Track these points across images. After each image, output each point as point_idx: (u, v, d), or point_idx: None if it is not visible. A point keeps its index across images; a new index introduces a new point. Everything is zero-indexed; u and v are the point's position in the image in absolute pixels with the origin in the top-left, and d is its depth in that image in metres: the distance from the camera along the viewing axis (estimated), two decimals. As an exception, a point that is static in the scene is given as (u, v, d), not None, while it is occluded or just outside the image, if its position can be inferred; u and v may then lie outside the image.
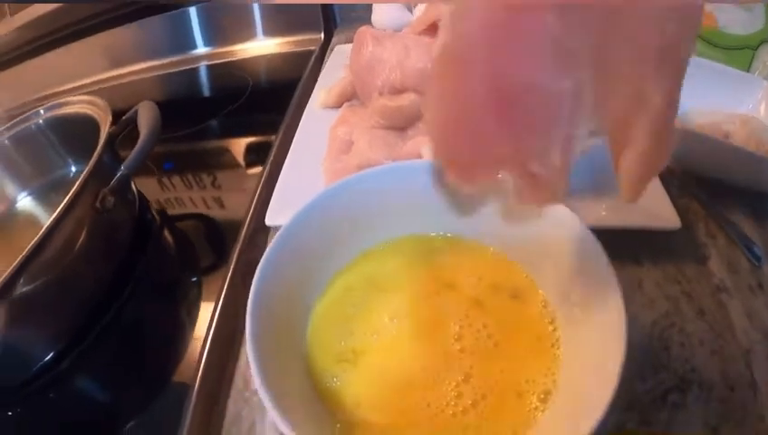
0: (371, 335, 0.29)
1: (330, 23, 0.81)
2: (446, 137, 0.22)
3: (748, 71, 0.53)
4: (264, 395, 0.21)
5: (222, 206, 0.57)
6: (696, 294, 0.37)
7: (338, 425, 0.25)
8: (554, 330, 0.28)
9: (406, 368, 0.27)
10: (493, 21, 0.18)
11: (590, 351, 0.25)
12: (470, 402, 0.25)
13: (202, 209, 0.57)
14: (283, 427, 0.21)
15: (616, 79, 0.20)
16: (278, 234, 0.27)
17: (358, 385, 0.27)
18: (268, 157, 0.55)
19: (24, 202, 0.62)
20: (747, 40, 0.52)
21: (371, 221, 0.31)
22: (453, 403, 0.25)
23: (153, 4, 0.84)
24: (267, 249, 0.27)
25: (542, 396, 0.25)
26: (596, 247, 0.26)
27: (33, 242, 0.38)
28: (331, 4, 0.79)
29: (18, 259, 0.37)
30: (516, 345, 0.28)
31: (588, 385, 0.23)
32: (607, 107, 0.20)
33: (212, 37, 0.88)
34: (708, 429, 0.30)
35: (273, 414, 0.21)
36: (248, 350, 0.23)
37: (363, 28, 0.48)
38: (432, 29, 0.46)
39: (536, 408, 0.25)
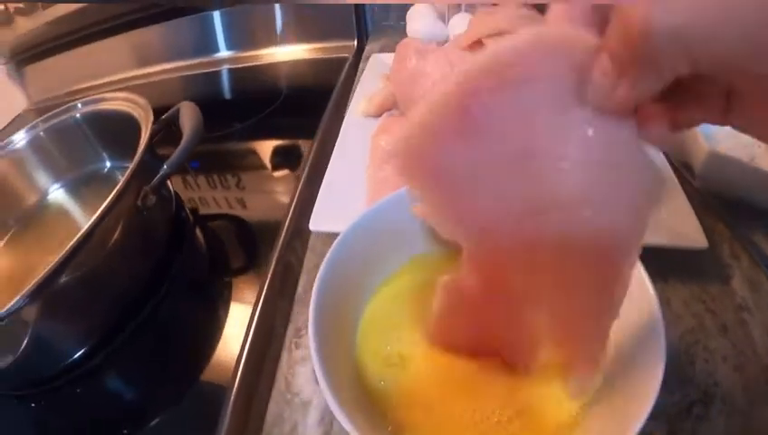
0: (418, 341, 0.30)
1: (362, 30, 0.82)
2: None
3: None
4: (325, 391, 0.23)
5: (244, 206, 0.58)
6: (719, 312, 0.38)
7: (389, 427, 0.26)
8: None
9: (451, 375, 0.28)
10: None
11: (631, 360, 0.26)
12: (514, 412, 0.26)
13: (226, 209, 0.58)
14: (344, 422, 0.22)
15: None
16: (337, 240, 0.29)
17: (405, 388, 0.28)
18: (306, 161, 0.56)
19: (56, 194, 0.63)
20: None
21: (421, 230, 0.33)
22: (498, 412, 0.26)
23: (180, 7, 0.85)
24: (327, 254, 0.28)
25: (583, 404, 0.27)
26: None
27: (75, 238, 0.39)
28: (364, 12, 0.80)
29: (60, 255, 0.38)
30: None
31: (629, 393, 0.24)
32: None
33: (236, 41, 0.89)
34: (730, 441, 0.31)
35: (334, 409, 0.22)
36: (311, 348, 0.24)
37: (406, 40, 0.49)
38: (476, 45, 0.47)
39: (577, 414, 0.26)
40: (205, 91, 0.86)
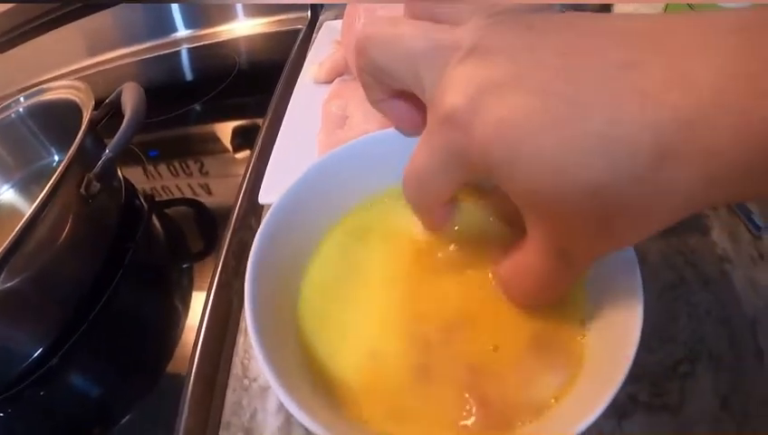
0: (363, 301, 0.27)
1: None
2: None
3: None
4: (267, 372, 0.20)
5: (210, 192, 0.56)
6: (700, 265, 0.37)
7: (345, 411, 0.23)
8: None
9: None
10: None
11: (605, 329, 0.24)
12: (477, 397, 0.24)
13: (189, 195, 0.56)
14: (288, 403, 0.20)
15: None
16: (272, 207, 0.26)
17: (350, 356, 0.25)
18: (257, 138, 0.54)
19: (7, 195, 0.60)
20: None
21: (362, 181, 0.30)
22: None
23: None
24: (262, 223, 0.26)
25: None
26: None
27: (14, 232, 0.37)
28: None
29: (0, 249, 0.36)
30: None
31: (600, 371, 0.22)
32: None
33: (193, 20, 0.86)
34: (718, 398, 0.30)
35: (277, 392, 0.20)
36: (248, 325, 0.22)
37: (355, 2, 0.47)
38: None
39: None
40: (163, 74, 0.83)
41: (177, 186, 0.58)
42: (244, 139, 0.61)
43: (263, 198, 0.40)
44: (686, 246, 0.38)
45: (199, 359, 0.35)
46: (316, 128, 0.45)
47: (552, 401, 0.23)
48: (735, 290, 0.36)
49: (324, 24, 0.65)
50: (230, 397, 0.33)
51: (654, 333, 0.33)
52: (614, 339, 0.23)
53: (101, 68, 0.86)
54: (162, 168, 0.61)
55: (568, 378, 0.23)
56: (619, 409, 0.29)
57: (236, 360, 0.34)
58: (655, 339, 0.33)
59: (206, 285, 0.40)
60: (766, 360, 0.32)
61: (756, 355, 0.32)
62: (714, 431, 0.29)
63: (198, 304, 0.40)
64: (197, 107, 0.69)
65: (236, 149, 0.61)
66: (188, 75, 0.85)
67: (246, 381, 0.33)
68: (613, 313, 0.23)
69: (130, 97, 0.48)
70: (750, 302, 0.35)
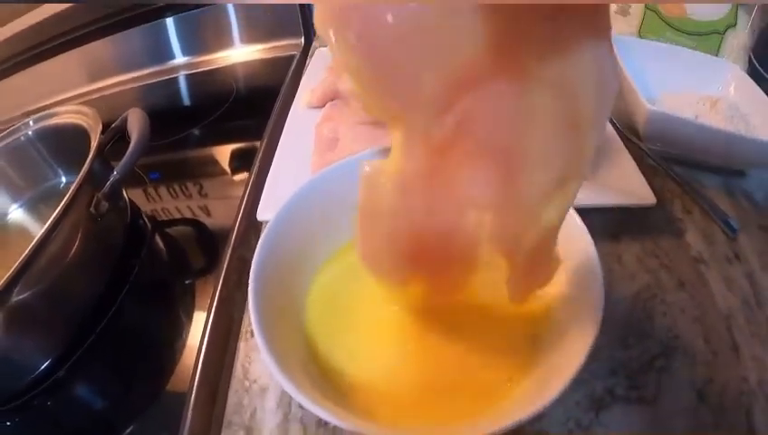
0: (370, 316, 0.30)
1: (309, 28, 0.82)
2: (371, 263, 0.27)
3: (717, 55, 0.55)
4: (268, 361, 0.22)
5: (209, 213, 0.57)
6: (674, 266, 0.38)
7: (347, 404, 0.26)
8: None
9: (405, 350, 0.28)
10: (406, 186, 0.23)
11: (569, 323, 0.26)
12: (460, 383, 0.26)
13: (190, 217, 0.58)
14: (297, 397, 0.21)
15: (516, 210, 0.23)
16: (272, 218, 0.29)
17: (357, 362, 0.28)
18: (254, 160, 0.56)
19: (15, 214, 0.62)
20: (715, 25, 0.55)
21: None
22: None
23: (132, 16, 0.85)
24: (261, 238, 0.28)
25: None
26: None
27: (28, 249, 0.38)
28: (310, 9, 0.80)
29: (14, 266, 0.37)
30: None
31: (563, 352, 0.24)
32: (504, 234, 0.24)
33: (190, 46, 0.89)
34: (694, 390, 0.31)
35: (277, 377, 0.22)
36: (254, 325, 0.24)
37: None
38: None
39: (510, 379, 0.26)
40: (162, 99, 0.85)
41: (176, 207, 0.59)
42: (241, 161, 0.63)
43: (261, 214, 0.42)
44: (660, 249, 0.40)
45: (202, 367, 0.36)
46: (310, 149, 0.48)
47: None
48: (710, 289, 0.37)
49: (317, 50, 0.68)
50: (231, 397, 0.34)
51: (630, 330, 0.34)
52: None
53: (103, 93, 0.89)
54: (162, 190, 0.62)
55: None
56: (597, 401, 0.31)
57: (237, 364, 0.36)
58: (631, 336, 0.34)
59: (208, 300, 0.41)
60: (741, 353, 0.33)
61: (732, 349, 0.34)
62: (691, 422, 0.30)
63: (200, 319, 0.42)
64: (196, 131, 0.71)
65: (234, 171, 0.63)
66: (187, 100, 0.87)
67: (247, 383, 0.34)
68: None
69: (136, 122, 0.50)
70: (725, 299, 0.36)
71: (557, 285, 0.27)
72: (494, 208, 0.23)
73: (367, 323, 0.29)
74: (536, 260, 0.25)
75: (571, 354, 0.22)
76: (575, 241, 0.27)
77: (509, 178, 0.21)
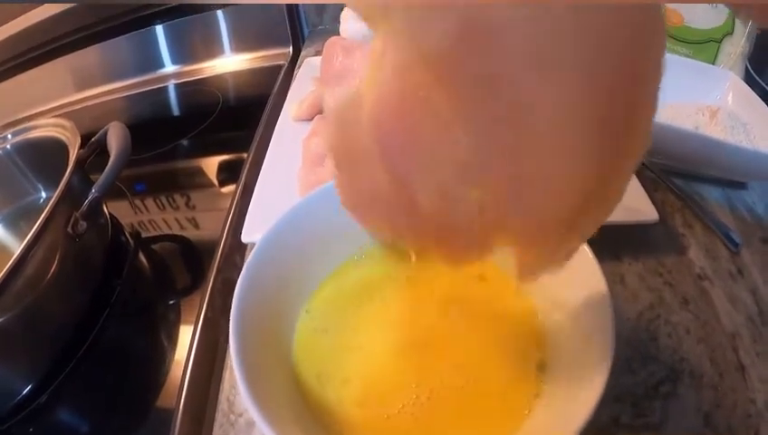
0: (358, 343, 0.28)
1: (298, 36, 0.81)
2: (357, 215, 0.21)
3: (714, 63, 0.54)
4: (253, 412, 0.20)
5: (197, 226, 0.56)
6: (678, 284, 0.37)
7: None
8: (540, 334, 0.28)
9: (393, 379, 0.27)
10: (383, 123, 0.17)
11: (578, 353, 0.24)
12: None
13: (176, 231, 0.56)
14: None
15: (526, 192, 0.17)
16: (254, 249, 0.27)
17: (346, 393, 0.26)
18: (241, 174, 0.55)
19: (-6, 231, 0.60)
20: (712, 34, 0.54)
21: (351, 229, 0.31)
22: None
23: (121, 24, 0.83)
24: (244, 267, 0.26)
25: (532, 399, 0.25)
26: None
27: (3, 272, 0.37)
28: (299, 18, 0.80)
29: None
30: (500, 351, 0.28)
31: (575, 388, 0.23)
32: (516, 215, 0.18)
33: (180, 55, 0.87)
34: (701, 415, 0.30)
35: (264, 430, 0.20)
36: (235, 368, 0.22)
37: (333, 39, 0.48)
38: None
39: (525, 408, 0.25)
40: (150, 109, 0.84)
41: (164, 220, 0.58)
42: (229, 173, 0.62)
43: (246, 237, 0.40)
44: (663, 267, 0.38)
45: (186, 394, 0.35)
46: (297, 165, 0.46)
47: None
48: (715, 307, 0.36)
49: (305, 60, 0.67)
50: (217, 432, 0.32)
51: (635, 354, 0.33)
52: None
53: (88, 103, 0.87)
54: (149, 202, 0.61)
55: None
56: (602, 430, 0.30)
57: (222, 397, 0.34)
58: (636, 360, 0.33)
59: (193, 321, 0.40)
60: (748, 374, 0.32)
61: (738, 370, 0.32)
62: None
63: (185, 339, 0.40)
64: (183, 142, 0.70)
65: (222, 183, 0.62)
66: (176, 110, 0.85)
67: (233, 417, 0.33)
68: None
69: (115, 137, 0.49)
70: (730, 317, 0.35)
71: (563, 310, 0.26)
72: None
73: (362, 356, 0.28)
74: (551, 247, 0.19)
75: (586, 385, 0.21)
76: (578, 261, 0.26)
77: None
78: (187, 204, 0.59)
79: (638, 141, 0.16)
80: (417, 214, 0.19)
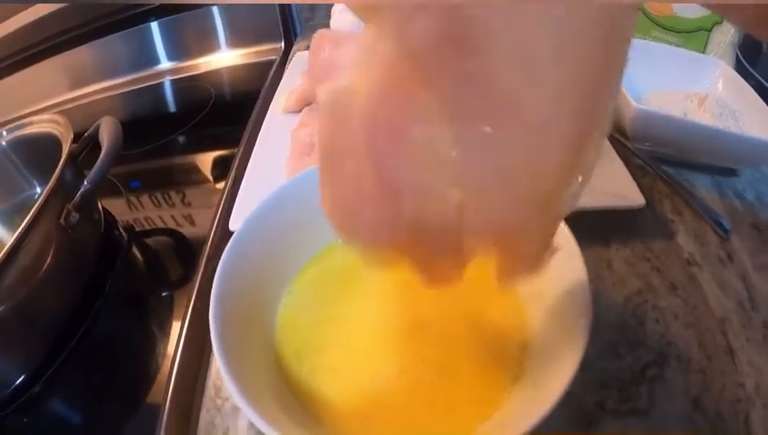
0: (341, 326, 0.28)
1: (290, 32, 0.82)
2: (337, 219, 0.21)
3: (704, 52, 0.54)
4: (233, 392, 0.21)
5: (192, 222, 0.56)
6: (666, 270, 0.37)
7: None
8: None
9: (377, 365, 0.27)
10: (372, 120, 0.17)
11: (556, 337, 0.24)
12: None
13: (172, 226, 0.56)
14: (260, 425, 0.20)
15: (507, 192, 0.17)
16: (236, 232, 0.27)
17: (329, 378, 0.26)
18: (231, 167, 0.55)
19: (-10, 227, 0.60)
20: (701, 22, 0.54)
21: None
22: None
23: (116, 21, 0.83)
24: (225, 249, 0.26)
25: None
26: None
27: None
28: (291, 14, 0.80)
29: None
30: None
31: (551, 372, 0.23)
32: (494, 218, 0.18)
33: (175, 51, 0.87)
34: (689, 399, 0.30)
35: (246, 412, 0.20)
36: (215, 350, 0.22)
37: (321, 31, 0.48)
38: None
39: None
40: (146, 105, 0.84)
41: (159, 216, 0.58)
42: (223, 168, 0.62)
43: (233, 224, 0.41)
44: (651, 252, 0.38)
45: (174, 384, 0.35)
46: (286, 155, 0.46)
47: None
48: (704, 292, 0.36)
49: (296, 55, 0.67)
50: (204, 417, 0.33)
51: (621, 339, 0.33)
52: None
53: (84, 101, 0.87)
54: (144, 198, 0.61)
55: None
56: (588, 416, 0.29)
57: (209, 383, 0.34)
58: (622, 345, 0.33)
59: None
60: (737, 358, 0.32)
61: (727, 353, 0.32)
62: (687, 432, 0.29)
63: (177, 331, 0.41)
64: (178, 138, 0.70)
65: (216, 179, 0.62)
66: (170, 107, 0.85)
67: (219, 401, 0.33)
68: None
69: (107, 131, 0.49)
70: (719, 302, 0.35)
71: (544, 295, 0.26)
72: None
73: (344, 339, 0.28)
74: (532, 243, 0.20)
75: (559, 369, 0.21)
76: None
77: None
78: (182, 200, 0.59)
79: (604, 118, 0.17)
80: (400, 220, 0.19)
